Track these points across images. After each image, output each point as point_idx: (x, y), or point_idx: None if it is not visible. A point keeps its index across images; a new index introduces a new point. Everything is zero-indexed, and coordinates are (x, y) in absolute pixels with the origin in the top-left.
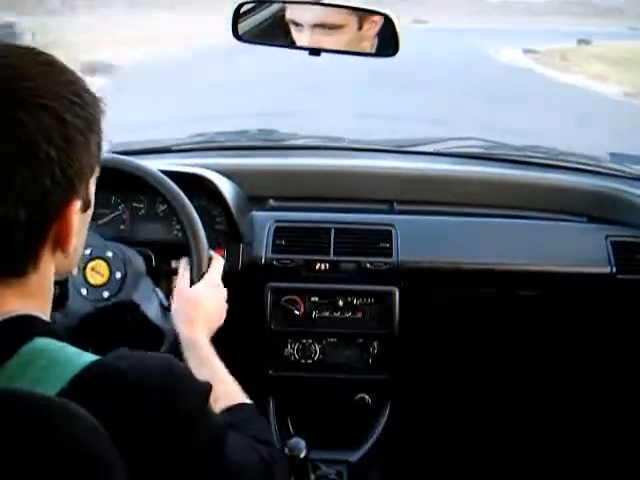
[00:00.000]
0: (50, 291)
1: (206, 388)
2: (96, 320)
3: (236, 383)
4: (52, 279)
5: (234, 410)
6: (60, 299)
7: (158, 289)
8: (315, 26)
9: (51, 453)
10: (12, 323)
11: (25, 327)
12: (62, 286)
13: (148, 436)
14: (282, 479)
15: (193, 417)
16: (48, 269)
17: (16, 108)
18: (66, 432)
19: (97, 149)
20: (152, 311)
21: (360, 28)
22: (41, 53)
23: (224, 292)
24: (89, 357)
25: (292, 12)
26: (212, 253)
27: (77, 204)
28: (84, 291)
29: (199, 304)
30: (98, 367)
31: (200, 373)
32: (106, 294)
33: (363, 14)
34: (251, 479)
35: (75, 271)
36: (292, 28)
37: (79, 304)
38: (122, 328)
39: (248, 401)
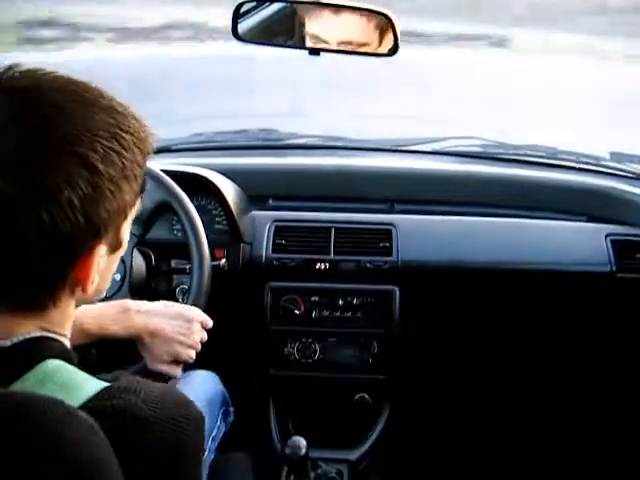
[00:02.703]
0: (71, 320)
1: (203, 418)
2: None
3: None
4: (73, 311)
5: None
6: None
7: None
8: (342, 43)
9: (46, 452)
10: (27, 344)
11: (39, 348)
12: None
13: (148, 471)
14: None
15: (193, 457)
16: (68, 304)
17: (43, 150)
18: (63, 432)
19: (135, 192)
20: None
21: (380, 43)
22: (89, 89)
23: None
24: (98, 384)
25: (314, 27)
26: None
27: (101, 249)
28: None
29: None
30: (107, 398)
31: None
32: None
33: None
34: None
35: None
36: (309, 39)
37: None
38: None
39: None
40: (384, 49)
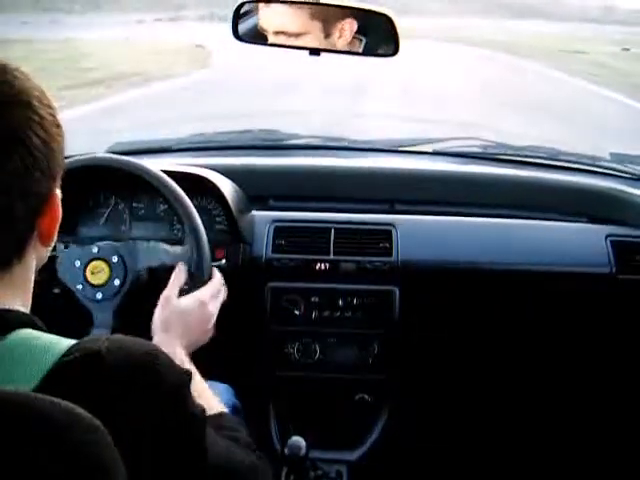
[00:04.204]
0: (31, 283)
1: (187, 376)
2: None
3: (214, 396)
4: (34, 271)
5: (215, 417)
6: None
7: None
8: (277, 33)
9: (51, 454)
10: None
11: (4, 321)
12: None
13: (128, 418)
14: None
15: (173, 400)
16: (31, 261)
17: (3, 103)
18: (67, 434)
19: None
20: None
21: (328, 35)
22: (6, 63)
23: (211, 311)
24: (67, 342)
25: (261, 19)
26: (215, 271)
27: (59, 196)
28: (80, 287)
29: (181, 315)
30: (76, 351)
31: None
32: (99, 296)
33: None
34: (234, 474)
35: (77, 264)
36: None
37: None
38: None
39: (227, 410)
40: (347, 40)
